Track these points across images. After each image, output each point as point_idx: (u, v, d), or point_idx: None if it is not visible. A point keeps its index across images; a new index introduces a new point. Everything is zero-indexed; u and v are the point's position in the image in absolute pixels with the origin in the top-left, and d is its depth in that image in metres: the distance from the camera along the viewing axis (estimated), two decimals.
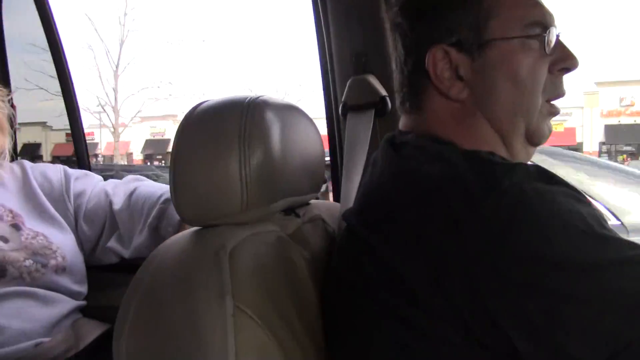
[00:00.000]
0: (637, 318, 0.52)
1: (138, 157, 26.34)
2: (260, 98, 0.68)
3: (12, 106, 1.23)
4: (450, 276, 0.55)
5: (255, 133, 0.65)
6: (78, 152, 1.56)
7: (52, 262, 1.11)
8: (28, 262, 1.07)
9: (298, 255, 0.72)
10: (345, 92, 1.11)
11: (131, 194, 1.25)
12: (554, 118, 0.73)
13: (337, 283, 0.69)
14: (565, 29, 0.74)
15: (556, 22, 0.70)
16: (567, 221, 0.54)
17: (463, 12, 0.68)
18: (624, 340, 0.51)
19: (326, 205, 0.96)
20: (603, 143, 24.59)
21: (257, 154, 0.64)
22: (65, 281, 1.13)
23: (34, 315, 1.07)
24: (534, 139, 0.71)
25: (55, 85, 1.59)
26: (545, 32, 0.68)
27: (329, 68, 1.17)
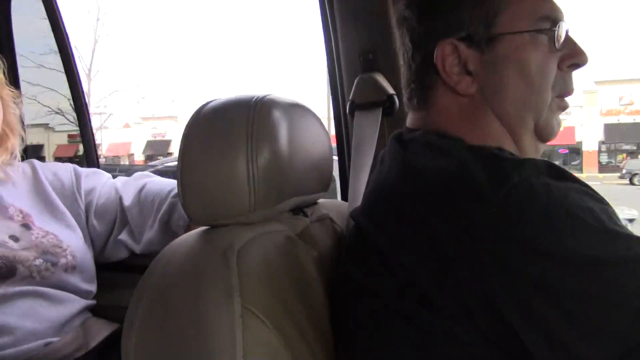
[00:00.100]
0: None
1: (139, 158, 26.38)
2: (267, 97, 0.68)
3: None
4: (459, 274, 0.55)
5: (263, 132, 0.65)
6: (87, 151, 1.58)
7: (62, 260, 1.11)
8: (38, 261, 1.07)
9: (306, 255, 0.71)
10: (352, 90, 1.11)
11: (141, 189, 1.26)
12: None
13: (346, 282, 0.69)
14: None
15: (565, 17, 0.69)
16: (576, 216, 0.53)
17: (473, 5, 0.67)
18: (634, 341, 0.50)
19: (334, 204, 0.96)
20: (602, 142, 24.63)
21: (264, 153, 0.64)
22: (75, 280, 1.14)
23: (44, 315, 1.07)
24: (544, 134, 0.70)
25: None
26: (555, 27, 0.67)
27: (336, 66, 1.17)
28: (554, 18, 0.68)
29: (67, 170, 1.28)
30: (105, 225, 1.26)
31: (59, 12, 1.51)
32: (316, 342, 0.66)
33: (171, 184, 1.25)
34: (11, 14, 1.60)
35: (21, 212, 1.14)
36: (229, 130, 0.65)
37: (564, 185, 0.56)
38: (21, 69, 1.61)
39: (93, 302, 1.20)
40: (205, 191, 0.64)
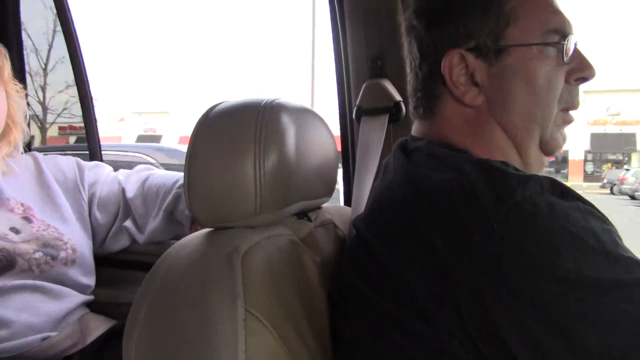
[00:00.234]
0: None
1: None
2: (276, 101, 0.68)
3: None
4: (457, 288, 0.54)
5: (271, 136, 0.65)
6: (90, 144, 1.58)
7: (63, 254, 1.11)
8: (38, 255, 1.07)
9: (309, 259, 0.71)
10: (360, 96, 1.11)
11: (144, 181, 1.28)
12: None
13: (345, 290, 0.68)
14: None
15: (575, 30, 0.69)
16: (578, 237, 0.52)
17: (482, 17, 0.66)
18: None
19: (337, 209, 0.96)
20: (588, 151, 24.90)
21: (272, 157, 0.64)
22: (73, 273, 1.14)
23: (41, 309, 1.07)
24: (549, 148, 0.70)
25: None
26: (564, 40, 0.67)
27: (344, 71, 1.17)
28: (563, 31, 0.68)
29: (69, 163, 1.29)
30: (108, 217, 1.27)
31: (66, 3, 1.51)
32: (316, 348, 0.66)
33: (175, 175, 1.26)
34: (20, 11, 1.60)
35: (22, 204, 1.14)
36: (237, 133, 0.65)
37: (568, 204, 0.55)
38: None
39: (91, 297, 1.20)
40: (212, 192, 0.64)
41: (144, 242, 1.26)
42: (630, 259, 0.53)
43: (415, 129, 0.75)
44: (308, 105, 0.78)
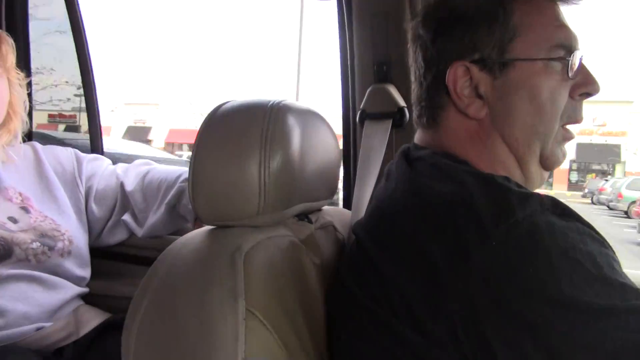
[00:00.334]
0: None
1: None
2: (283, 102, 0.68)
3: None
4: (452, 302, 0.54)
5: (277, 137, 0.65)
6: (92, 137, 1.58)
7: (59, 244, 1.11)
8: (35, 244, 1.07)
9: (309, 261, 0.72)
10: (364, 100, 1.11)
11: (144, 176, 1.28)
12: None
13: (342, 294, 0.68)
14: None
15: (580, 45, 0.69)
16: (576, 260, 0.52)
17: (488, 29, 0.66)
18: None
19: (337, 211, 0.96)
20: (574, 161, 25.18)
21: (277, 158, 0.64)
22: (69, 264, 1.14)
23: (37, 299, 1.07)
24: (548, 163, 0.70)
25: None
26: (570, 56, 0.67)
27: (349, 74, 1.17)
28: (568, 46, 0.68)
29: (68, 154, 1.28)
30: (105, 211, 1.27)
31: None
32: (314, 349, 0.66)
33: (178, 170, 1.26)
34: (28, 1, 1.60)
35: (21, 194, 1.14)
36: (243, 133, 0.65)
37: (567, 224, 0.55)
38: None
39: (86, 289, 1.19)
40: (216, 191, 0.64)
41: (142, 235, 1.25)
42: (625, 285, 0.53)
43: (419, 137, 0.75)
44: (313, 107, 0.78)
